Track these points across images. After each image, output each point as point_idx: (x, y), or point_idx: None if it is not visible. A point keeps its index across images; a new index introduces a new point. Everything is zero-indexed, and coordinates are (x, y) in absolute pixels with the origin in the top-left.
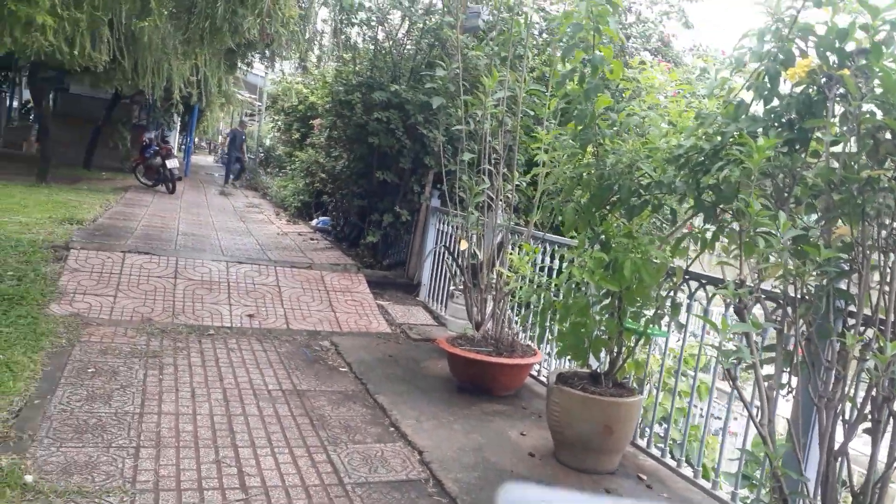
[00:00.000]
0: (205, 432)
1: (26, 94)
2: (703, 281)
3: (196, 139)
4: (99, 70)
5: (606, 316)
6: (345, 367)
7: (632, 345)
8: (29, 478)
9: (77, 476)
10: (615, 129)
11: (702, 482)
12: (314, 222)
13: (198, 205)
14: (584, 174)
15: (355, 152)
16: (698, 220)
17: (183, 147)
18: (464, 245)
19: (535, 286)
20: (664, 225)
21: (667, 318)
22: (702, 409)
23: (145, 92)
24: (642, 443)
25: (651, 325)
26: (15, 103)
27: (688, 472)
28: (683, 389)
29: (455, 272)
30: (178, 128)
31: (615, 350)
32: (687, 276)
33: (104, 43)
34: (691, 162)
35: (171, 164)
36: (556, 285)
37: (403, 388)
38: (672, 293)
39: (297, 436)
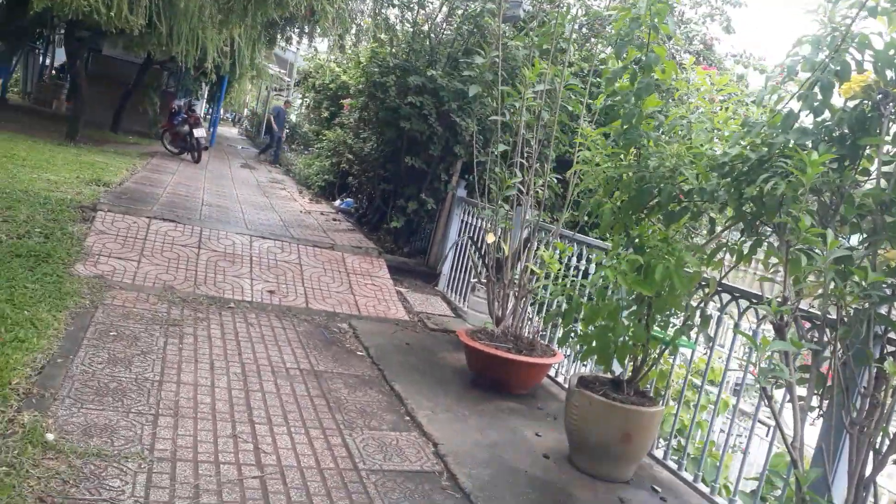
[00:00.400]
0: (222, 405)
1: (59, 55)
2: (737, 294)
3: (222, 111)
4: (134, 34)
5: (634, 322)
6: (362, 352)
7: (657, 354)
8: (50, 436)
9: (97, 438)
10: (660, 131)
11: (718, 499)
12: (337, 203)
13: (222, 176)
14: (625, 175)
15: (385, 135)
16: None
17: (209, 117)
18: (490, 238)
19: (563, 286)
20: (699, 233)
21: (695, 330)
22: (721, 425)
23: (177, 59)
24: (659, 454)
25: (679, 336)
26: (47, 61)
27: (704, 488)
28: (703, 404)
29: (478, 265)
30: (206, 98)
31: (640, 358)
32: (720, 288)
33: (141, 6)
34: (735, 171)
35: (199, 133)
36: (583, 286)
37: (419, 377)
38: (703, 304)
39: (313, 416)
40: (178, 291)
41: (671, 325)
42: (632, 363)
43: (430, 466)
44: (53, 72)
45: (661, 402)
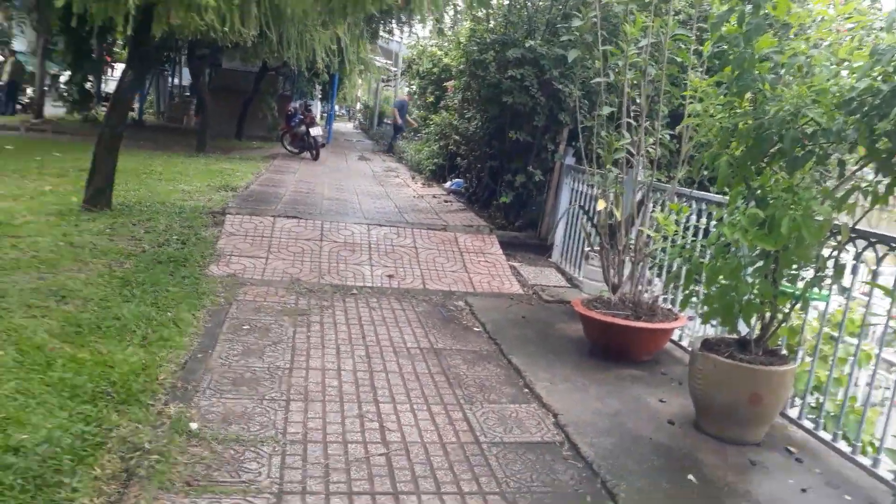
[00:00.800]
0: (348, 387)
1: (186, 74)
2: (873, 239)
3: (337, 107)
4: (248, 44)
5: (760, 279)
6: (479, 328)
7: (787, 310)
8: (194, 425)
9: (235, 425)
10: (777, 73)
11: (860, 459)
12: (448, 185)
13: (339, 170)
14: (741, 124)
15: (488, 112)
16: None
17: (325, 115)
18: (601, 204)
19: (680, 247)
20: (827, 178)
21: (828, 281)
22: (863, 379)
23: (290, 63)
24: (793, 413)
25: (810, 289)
26: (176, 81)
27: (844, 447)
28: (841, 357)
29: (590, 233)
30: (320, 97)
31: (768, 315)
32: (854, 235)
33: (252, 17)
34: (865, 106)
35: (315, 131)
36: (703, 246)
37: (536, 349)
38: (836, 253)
39: (434, 393)
40: (304, 283)
41: (800, 278)
42: (759, 322)
43: (550, 437)
44: (182, 90)
45: (793, 361)
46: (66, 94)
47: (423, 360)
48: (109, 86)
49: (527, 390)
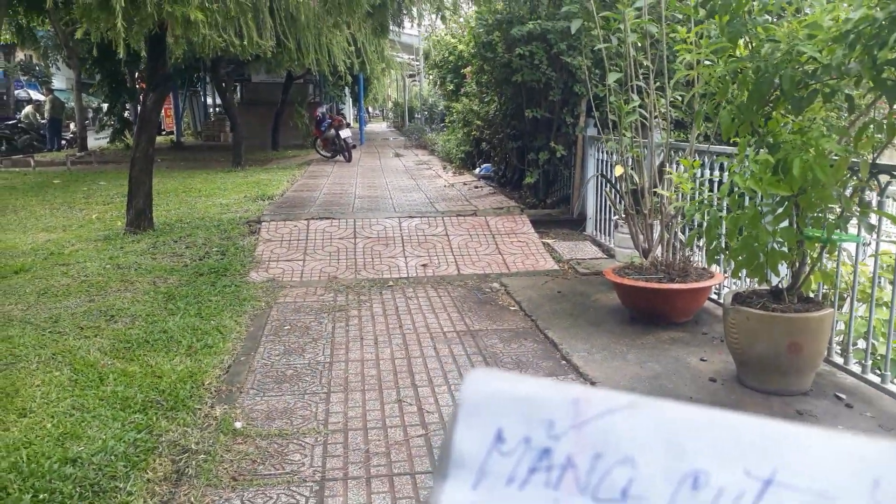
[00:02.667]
0: (387, 375)
1: None
2: None
3: (369, 108)
4: (268, 56)
5: (782, 225)
6: (514, 306)
7: (816, 254)
8: (238, 424)
9: (278, 421)
10: (769, 13)
11: None
12: (477, 170)
13: (372, 169)
14: (739, 70)
15: (504, 93)
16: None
17: (356, 117)
18: (619, 170)
19: (698, 202)
20: (840, 116)
21: (855, 221)
22: None
23: (312, 70)
24: (840, 360)
25: (837, 230)
26: (209, 100)
27: (895, 388)
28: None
29: (615, 200)
30: (350, 101)
31: (797, 262)
32: (874, 170)
33: (268, 29)
34: (864, 36)
35: (345, 134)
36: (720, 198)
37: (573, 322)
38: (859, 191)
39: None
40: (341, 280)
41: (826, 220)
42: (790, 269)
43: None
44: (217, 108)
45: (830, 306)
46: (107, 124)
47: (460, 342)
48: None
49: (564, 362)
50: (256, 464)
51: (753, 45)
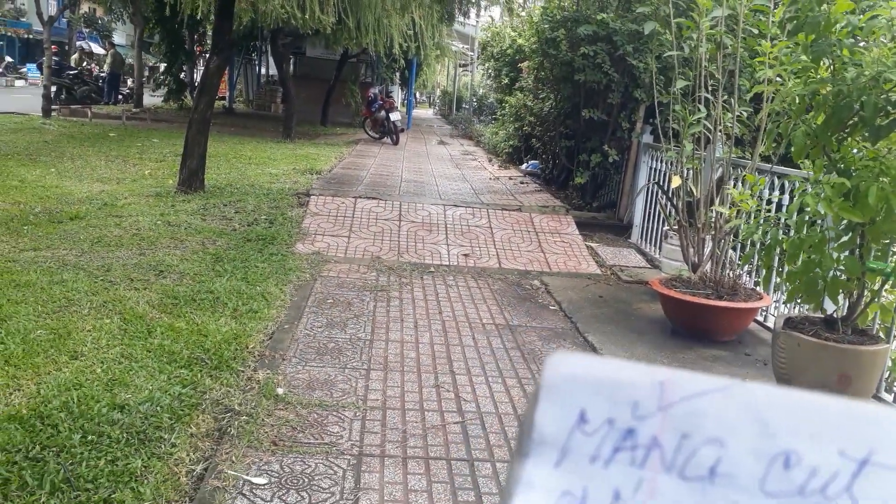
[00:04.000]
0: (426, 359)
1: (272, 63)
2: None
3: (417, 94)
4: (327, 32)
5: (846, 253)
6: (554, 306)
7: (876, 287)
8: (280, 390)
9: (318, 391)
10: (855, 37)
11: None
12: (524, 166)
13: (418, 154)
14: (818, 92)
15: (562, 92)
16: None
17: (404, 101)
18: (676, 181)
19: (759, 221)
20: None
21: None
22: None
23: (368, 50)
24: (888, 398)
25: None
26: (263, 70)
27: None
28: None
29: (669, 211)
30: (399, 84)
31: (856, 293)
32: None
33: (330, 5)
34: None
35: (394, 116)
36: (785, 220)
37: (614, 328)
38: None
39: (509, 367)
40: (384, 261)
41: (892, 253)
42: (847, 299)
43: None
44: (270, 78)
45: (886, 341)
46: (164, 83)
47: (499, 335)
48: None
49: None
50: (296, 431)
51: (836, 66)
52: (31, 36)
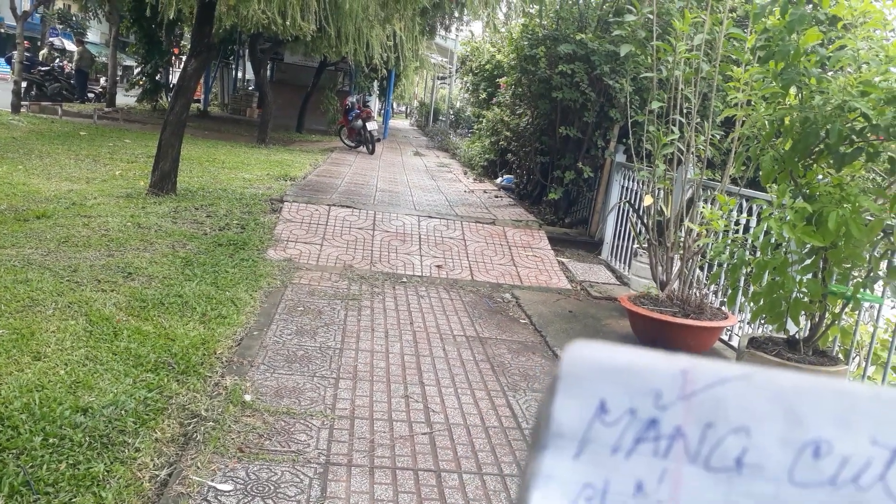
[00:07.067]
0: (395, 369)
1: (249, 68)
2: None
3: (395, 104)
4: (307, 39)
5: (808, 276)
6: (525, 319)
7: (837, 310)
8: (248, 397)
9: (286, 399)
10: (823, 66)
11: None
12: (499, 180)
13: (394, 164)
14: (786, 118)
15: (539, 108)
16: None
17: (381, 112)
18: (648, 200)
19: (726, 242)
20: (880, 178)
21: (882, 282)
22: None
23: (348, 59)
24: None
25: (862, 290)
26: (239, 74)
27: None
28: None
29: (639, 230)
30: (378, 93)
31: (817, 315)
32: None
33: (311, 12)
34: None
35: (371, 126)
36: (752, 241)
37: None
38: (890, 253)
39: (478, 379)
40: (356, 270)
41: (852, 278)
42: (809, 321)
43: None
44: (246, 83)
45: (846, 363)
46: (137, 83)
47: (469, 347)
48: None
49: None
50: (263, 438)
51: (804, 94)
52: (2, 30)
